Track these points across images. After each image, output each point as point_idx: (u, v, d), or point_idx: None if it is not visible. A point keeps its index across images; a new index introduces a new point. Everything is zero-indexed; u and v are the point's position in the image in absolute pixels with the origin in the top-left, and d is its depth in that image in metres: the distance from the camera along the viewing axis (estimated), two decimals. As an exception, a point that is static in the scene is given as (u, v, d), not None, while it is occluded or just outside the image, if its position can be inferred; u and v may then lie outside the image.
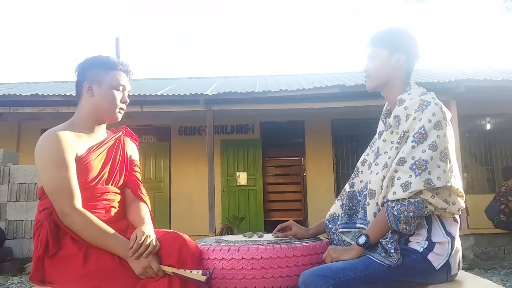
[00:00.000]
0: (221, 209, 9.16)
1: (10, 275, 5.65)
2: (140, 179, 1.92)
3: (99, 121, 1.80)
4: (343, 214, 1.77)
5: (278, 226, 1.90)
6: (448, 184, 1.47)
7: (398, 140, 1.54)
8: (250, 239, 1.81)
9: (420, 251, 1.49)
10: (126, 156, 1.87)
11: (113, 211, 1.76)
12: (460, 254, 1.56)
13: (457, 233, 1.55)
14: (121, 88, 1.79)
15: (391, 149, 1.58)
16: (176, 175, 9.63)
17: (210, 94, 7.53)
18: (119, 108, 1.80)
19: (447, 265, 1.50)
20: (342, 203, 1.82)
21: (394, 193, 1.47)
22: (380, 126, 1.72)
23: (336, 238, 1.78)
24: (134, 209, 1.82)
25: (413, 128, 1.50)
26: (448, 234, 1.52)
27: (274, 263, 1.58)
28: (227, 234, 6.61)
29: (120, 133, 1.90)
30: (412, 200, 1.45)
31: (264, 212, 9.60)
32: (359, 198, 1.77)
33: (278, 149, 10.11)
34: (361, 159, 1.83)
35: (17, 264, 6.13)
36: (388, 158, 1.55)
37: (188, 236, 1.72)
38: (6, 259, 6.07)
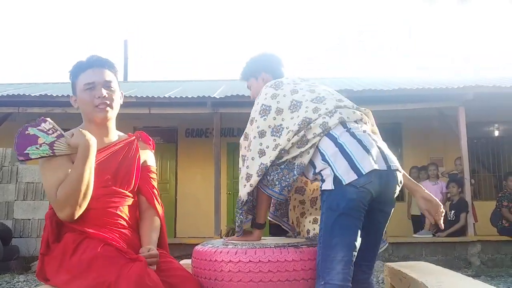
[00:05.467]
0: (226, 211, 9.15)
1: (16, 273, 5.68)
2: (156, 187, 1.89)
3: (97, 126, 1.77)
4: None
5: None
6: None
7: None
8: (257, 242, 1.81)
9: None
10: (138, 161, 1.83)
11: (121, 213, 1.73)
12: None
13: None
14: (90, 86, 1.74)
15: None
16: (182, 177, 9.64)
17: (217, 97, 7.55)
18: (97, 106, 1.74)
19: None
20: None
21: None
22: None
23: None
24: (145, 223, 1.80)
25: None
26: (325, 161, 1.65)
27: (281, 266, 1.58)
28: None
29: (133, 137, 1.86)
30: None
31: (270, 215, 9.57)
32: None
33: (284, 153, 10.09)
34: None
35: (23, 262, 6.18)
36: None
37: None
38: (13, 258, 6.11)
